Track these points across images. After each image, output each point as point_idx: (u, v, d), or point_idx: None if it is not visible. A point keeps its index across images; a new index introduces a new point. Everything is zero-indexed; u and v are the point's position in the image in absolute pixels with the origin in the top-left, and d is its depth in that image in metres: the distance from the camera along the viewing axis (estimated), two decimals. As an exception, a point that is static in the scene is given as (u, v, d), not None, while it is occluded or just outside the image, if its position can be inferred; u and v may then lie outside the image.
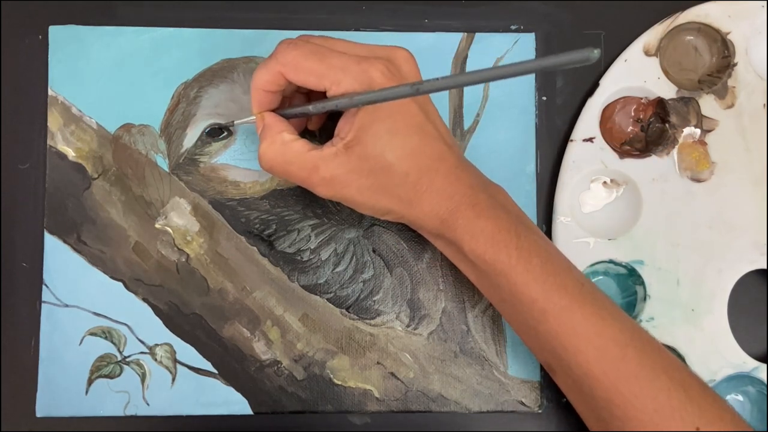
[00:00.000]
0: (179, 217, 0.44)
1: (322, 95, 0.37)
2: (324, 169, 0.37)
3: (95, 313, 0.43)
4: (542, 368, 0.44)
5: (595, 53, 0.26)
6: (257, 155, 0.38)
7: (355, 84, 0.36)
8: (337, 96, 0.36)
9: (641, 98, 0.45)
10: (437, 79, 0.32)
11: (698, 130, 0.44)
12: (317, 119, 0.43)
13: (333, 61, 0.36)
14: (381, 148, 0.36)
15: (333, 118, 0.41)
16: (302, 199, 0.45)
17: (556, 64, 0.28)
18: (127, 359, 0.43)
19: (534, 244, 0.37)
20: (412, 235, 0.45)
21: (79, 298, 0.43)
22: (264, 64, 0.37)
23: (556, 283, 0.37)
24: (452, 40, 0.46)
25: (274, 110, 0.39)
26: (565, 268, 0.38)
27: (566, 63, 0.27)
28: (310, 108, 0.38)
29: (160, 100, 0.45)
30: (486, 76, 0.31)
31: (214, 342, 0.44)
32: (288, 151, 0.37)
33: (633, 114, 0.45)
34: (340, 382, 0.44)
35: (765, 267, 0.44)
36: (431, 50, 0.45)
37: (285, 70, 0.37)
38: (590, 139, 0.44)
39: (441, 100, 0.45)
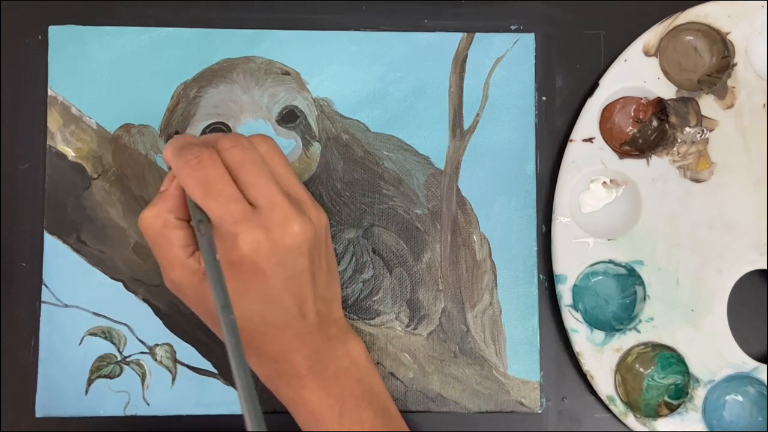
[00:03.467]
0: (179, 217, 0.44)
1: None
2: (177, 274, 0.36)
3: (95, 313, 0.43)
4: (542, 368, 0.44)
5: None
6: None
7: (218, 237, 0.34)
8: (201, 235, 0.34)
9: (641, 98, 0.45)
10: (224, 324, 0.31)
11: (698, 130, 0.44)
12: None
13: (213, 203, 0.34)
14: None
15: None
16: (302, 199, 0.45)
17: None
18: (127, 359, 0.43)
19: (357, 422, 0.37)
20: (412, 236, 0.45)
21: (79, 298, 0.43)
22: (171, 150, 0.36)
23: None
24: (452, 40, 0.46)
25: None
26: None
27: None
28: (190, 204, 0.36)
29: (160, 100, 0.45)
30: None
31: (214, 342, 0.44)
32: (163, 234, 0.36)
33: (633, 114, 0.45)
34: (339, 382, 0.44)
35: (765, 267, 0.44)
36: (431, 50, 0.45)
37: (176, 174, 0.36)
38: (590, 139, 0.44)
39: (441, 101, 0.45)
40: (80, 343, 0.43)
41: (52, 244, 0.44)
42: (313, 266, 0.37)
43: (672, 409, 0.43)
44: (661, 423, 0.43)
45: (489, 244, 0.45)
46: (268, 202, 0.35)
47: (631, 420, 0.43)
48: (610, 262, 0.44)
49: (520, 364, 0.44)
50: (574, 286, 0.44)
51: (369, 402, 0.38)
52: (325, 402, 0.37)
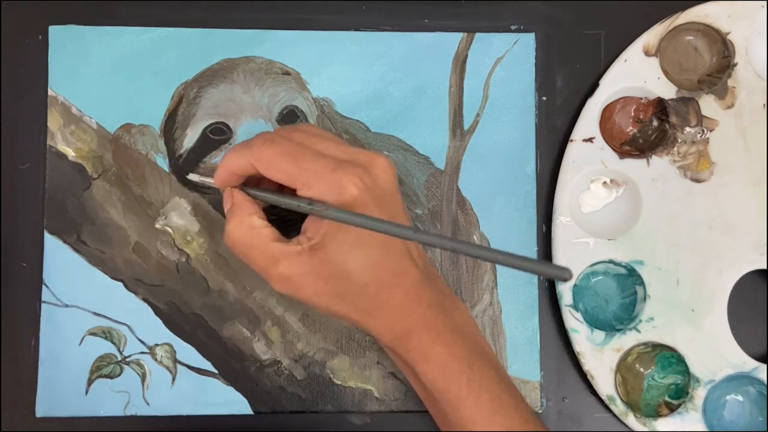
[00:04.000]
0: (179, 217, 0.44)
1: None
2: (284, 265, 0.36)
3: (95, 313, 0.43)
4: (542, 368, 0.44)
5: (568, 274, 0.29)
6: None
7: (325, 190, 0.35)
8: (312, 200, 0.35)
9: (641, 98, 0.45)
10: (427, 234, 0.32)
11: (698, 130, 0.44)
12: None
13: (307, 164, 0.36)
14: (344, 257, 0.36)
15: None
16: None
17: (537, 271, 0.31)
18: (127, 359, 0.43)
19: (485, 377, 0.37)
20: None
21: (79, 298, 0.43)
22: (238, 150, 0.37)
23: (503, 422, 0.36)
24: (452, 40, 0.46)
25: (242, 186, 0.39)
26: (513, 405, 0.37)
27: (545, 273, 0.31)
28: (281, 202, 0.37)
29: (160, 100, 0.45)
30: (482, 255, 0.32)
31: (214, 342, 0.44)
32: (255, 236, 0.37)
33: (633, 114, 0.45)
34: (340, 382, 0.44)
35: (765, 267, 0.44)
36: (431, 50, 0.45)
37: (258, 164, 0.36)
38: (590, 139, 0.44)
39: (441, 101, 0.45)
40: (80, 343, 0.43)
41: (52, 244, 0.44)
42: (403, 207, 0.38)
43: (672, 409, 0.43)
44: (661, 423, 0.43)
45: (489, 244, 0.45)
46: (347, 153, 0.37)
47: (631, 420, 0.43)
48: (611, 262, 0.44)
49: (521, 363, 0.44)
50: (575, 286, 0.44)
51: (488, 359, 0.38)
52: (455, 354, 0.37)
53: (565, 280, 0.29)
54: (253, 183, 0.39)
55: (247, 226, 0.37)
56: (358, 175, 0.35)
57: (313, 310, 0.38)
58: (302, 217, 0.38)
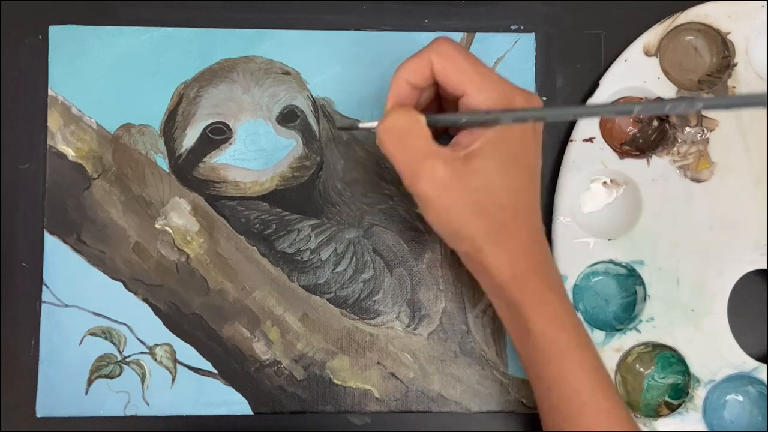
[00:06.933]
0: (179, 217, 0.44)
1: (451, 107, 0.38)
2: (440, 164, 0.35)
3: (95, 313, 0.43)
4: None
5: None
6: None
7: (497, 99, 0.35)
8: (497, 110, 0.35)
9: (641, 98, 0.45)
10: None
11: (698, 130, 0.44)
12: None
13: (484, 69, 0.36)
14: (495, 171, 0.36)
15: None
16: (302, 199, 0.45)
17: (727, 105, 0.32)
18: (127, 359, 0.43)
19: (588, 339, 0.38)
20: (413, 236, 0.45)
21: (79, 298, 0.43)
22: (416, 54, 0.37)
23: (603, 385, 0.37)
24: (452, 40, 0.45)
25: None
26: (608, 376, 0.38)
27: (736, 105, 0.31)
28: (459, 118, 0.36)
29: (160, 100, 0.45)
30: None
31: (214, 342, 0.44)
32: (416, 129, 0.36)
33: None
34: (340, 382, 0.44)
35: (765, 267, 0.44)
36: (431, 50, 0.45)
37: (438, 59, 0.36)
38: (590, 139, 0.44)
39: (441, 100, 0.45)
40: (80, 343, 0.43)
41: (52, 244, 0.44)
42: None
43: (672, 409, 0.43)
44: (661, 423, 0.43)
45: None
46: (508, 81, 0.37)
47: (631, 420, 0.43)
48: (611, 262, 0.44)
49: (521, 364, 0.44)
50: (575, 286, 0.44)
51: (577, 324, 0.38)
52: (566, 308, 0.37)
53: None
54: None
55: (413, 118, 0.36)
56: (525, 96, 0.36)
57: (438, 227, 0.37)
58: None
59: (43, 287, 0.43)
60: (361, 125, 0.40)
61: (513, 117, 0.35)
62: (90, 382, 0.43)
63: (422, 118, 0.36)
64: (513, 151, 0.36)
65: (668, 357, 0.44)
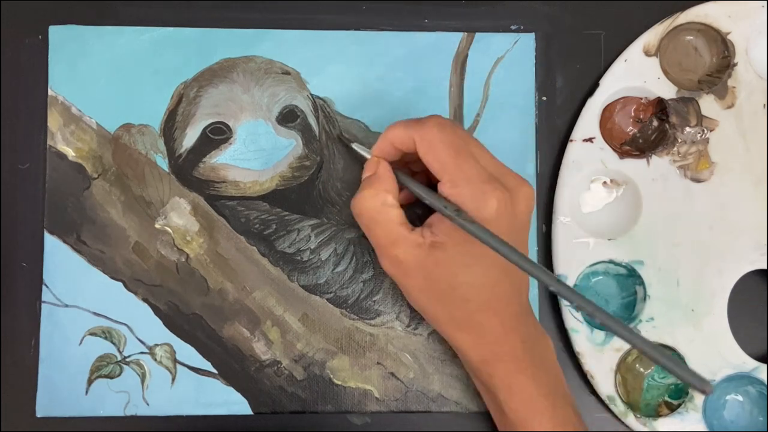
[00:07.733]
0: (179, 217, 0.44)
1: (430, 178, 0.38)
2: (401, 249, 0.36)
3: (95, 313, 0.43)
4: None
5: (709, 388, 0.29)
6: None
7: (468, 198, 0.35)
8: (459, 209, 0.35)
9: (641, 98, 0.45)
10: (569, 289, 0.33)
11: (698, 130, 0.44)
12: (412, 196, 0.41)
13: (463, 163, 0.36)
14: (459, 268, 0.36)
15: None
16: (302, 199, 0.45)
17: (678, 373, 0.31)
18: (127, 359, 0.43)
19: (566, 419, 0.37)
20: (412, 235, 0.45)
21: (79, 298, 0.43)
22: (407, 124, 0.37)
23: None
24: (452, 40, 0.46)
25: (391, 163, 0.39)
26: None
27: (684, 379, 0.31)
28: (424, 196, 0.37)
29: (160, 100, 0.45)
30: (624, 336, 0.32)
31: (214, 342, 0.44)
32: (383, 212, 0.37)
33: (633, 114, 0.45)
34: (340, 382, 0.44)
35: (765, 267, 0.44)
36: (431, 50, 0.45)
37: (420, 144, 0.36)
38: (590, 139, 0.44)
39: (441, 101, 0.45)
40: (80, 343, 0.43)
41: (52, 244, 0.44)
42: (528, 240, 0.38)
43: (672, 409, 0.43)
44: (661, 423, 0.43)
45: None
46: (498, 169, 0.37)
47: (631, 420, 0.43)
48: (611, 262, 0.44)
49: (521, 364, 0.44)
50: (575, 286, 0.44)
51: (568, 398, 0.38)
52: (541, 391, 0.37)
53: (705, 393, 0.30)
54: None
55: (380, 201, 0.37)
56: (503, 196, 0.36)
57: (411, 303, 0.38)
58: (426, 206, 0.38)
59: (43, 287, 0.43)
60: (354, 146, 0.41)
61: (469, 229, 0.35)
62: (90, 382, 0.43)
63: (391, 199, 0.37)
64: (480, 250, 0.35)
65: (668, 357, 0.44)
